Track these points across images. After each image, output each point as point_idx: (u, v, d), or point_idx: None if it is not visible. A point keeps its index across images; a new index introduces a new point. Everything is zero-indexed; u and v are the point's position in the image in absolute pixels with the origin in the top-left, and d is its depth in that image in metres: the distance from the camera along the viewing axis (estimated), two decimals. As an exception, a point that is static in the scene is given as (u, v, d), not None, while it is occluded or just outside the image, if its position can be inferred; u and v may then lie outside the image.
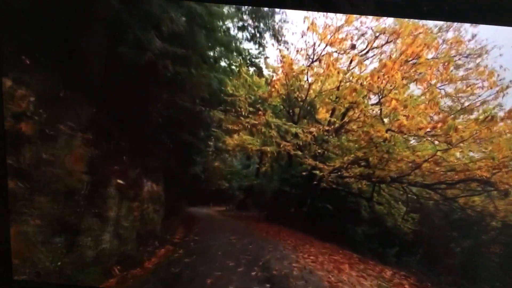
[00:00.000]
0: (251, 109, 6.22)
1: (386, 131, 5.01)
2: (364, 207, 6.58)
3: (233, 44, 5.43)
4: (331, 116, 6.13)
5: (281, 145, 6.42)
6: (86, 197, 2.70)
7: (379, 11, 2.27)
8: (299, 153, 6.40)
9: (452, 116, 4.50)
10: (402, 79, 4.57)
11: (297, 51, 5.70)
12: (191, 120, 5.48)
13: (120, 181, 3.23)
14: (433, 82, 4.66)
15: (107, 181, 3.05)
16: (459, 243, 5.29)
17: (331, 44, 5.27)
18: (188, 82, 4.44)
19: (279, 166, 7.17)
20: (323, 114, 6.38)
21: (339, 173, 6.20)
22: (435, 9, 1.90)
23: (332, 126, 6.05)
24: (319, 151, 6.28)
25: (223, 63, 5.78)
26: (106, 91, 3.13)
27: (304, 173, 6.72)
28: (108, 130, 3.34)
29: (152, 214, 4.50)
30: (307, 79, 6.02)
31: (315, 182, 6.47)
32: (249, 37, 5.55)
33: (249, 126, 6.46)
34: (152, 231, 4.40)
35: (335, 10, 3.07)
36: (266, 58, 6.00)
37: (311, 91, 6.15)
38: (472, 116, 4.57)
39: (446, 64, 4.23)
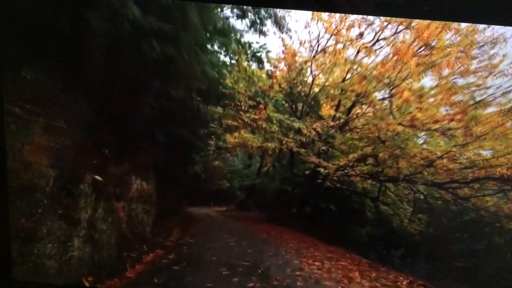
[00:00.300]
0: (251, 102, 5.79)
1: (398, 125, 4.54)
2: (369, 207, 6.19)
3: (232, 32, 5.00)
4: (336, 111, 5.68)
5: (283, 142, 5.99)
6: (51, 195, 2.25)
7: (379, 11, 2.26)
8: (302, 150, 5.97)
9: (473, 106, 4.01)
10: (417, 66, 4.10)
11: (300, 43, 5.26)
12: (186, 114, 5.05)
13: (97, 177, 2.78)
14: (447, 71, 4.19)
15: (80, 177, 2.59)
16: (470, 245, 4.86)
17: (337, 33, 4.82)
18: (180, 68, 3.98)
19: (280, 165, 6.82)
20: (327, 110, 5.93)
21: (345, 171, 5.75)
22: (435, 9, 1.86)
23: (338, 122, 5.60)
24: (323, 148, 5.85)
25: (222, 56, 5.39)
26: (82, 69, 2.71)
27: (307, 172, 6.31)
28: (86, 118, 2.88)
29: (141, 215, 4.07)
30: (311, 72, 5.59)
31: (318, 181, 6.04)
32: (248, 24, 5.10)
33: (249, 122, 6.03)
34: (140, 234, 3.96)
35: (335, 10, 2.99)
36: (268, 52, 5.59)
37: (315, 85, 5.72)
38: (494, 108, 4.08)
39: (467, 47, 3.75)
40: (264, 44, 5.39)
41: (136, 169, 3.98)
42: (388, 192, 6.01)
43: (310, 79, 5.66)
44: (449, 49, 3.98)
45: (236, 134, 6.10)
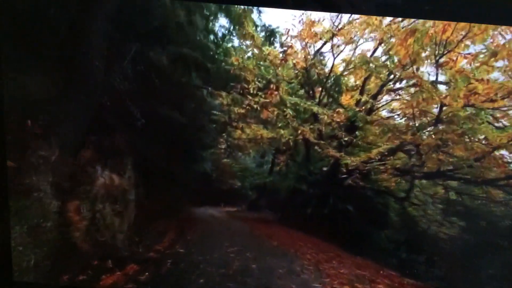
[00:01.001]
0: (260, 84, 4.74)
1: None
2: (396, 208, 5.06)
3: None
4: (361, 94, 4.55)
5: (299, 132, 4.92)
6: None
7: (381, 11, 2.19)
8: (321, 142, 4.89)
9: None
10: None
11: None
12: (178, 92, 4.04)
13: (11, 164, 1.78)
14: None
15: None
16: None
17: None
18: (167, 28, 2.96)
19: (294, 163, 5.79)
20: (351, 92, 4.80)
21: (372, 165, 4.61)
22: (437, 9, 1.82)
23: (364, 106, 4.48)
24: (346, 139, 4.73)
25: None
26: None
27: (324, 169, 5.23)
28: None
29: (110, 218, 3.05)
30: (332, 50, 4.47)
31: (338, 179, 4.94)
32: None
33: (258, 107, 4.98)
34: (107, 245, 2.94)
35: (336, 10, 2.86)
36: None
37: (340, 62, 4.60)
38: None
39: None
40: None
41: (104, 157, 2.97)
42: (416, 191, 4.88)
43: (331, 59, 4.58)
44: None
45: (247, 129, 5.31)
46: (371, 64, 4.16)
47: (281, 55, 4.58)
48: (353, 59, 4.38)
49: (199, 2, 3.57)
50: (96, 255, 2.64)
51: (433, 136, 3.81)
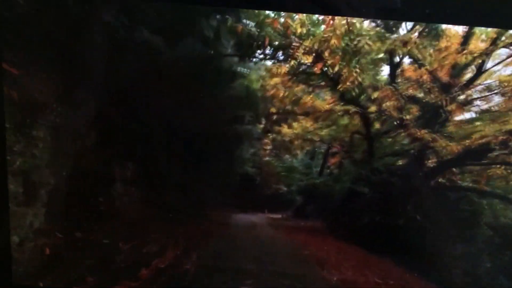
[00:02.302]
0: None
1: None
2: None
3: None
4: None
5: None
6: None
7: (381, 14, 2.15)
8: (406, 116, 3.44)
9: None
10: None
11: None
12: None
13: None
14: None
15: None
16: None
17: None
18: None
19: (350, 161, 4.59)
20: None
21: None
22: (437, 12, 1.76)
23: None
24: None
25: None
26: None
27: (400, 163, 3.76)
28: None
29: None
30: None
31: (422, 176, 3.44)
32: None
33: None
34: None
35: (336, 13, 2.61)
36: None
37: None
38: None
39: None
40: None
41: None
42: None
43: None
44: None
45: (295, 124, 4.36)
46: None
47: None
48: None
49: (200, 3, 3.27)
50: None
51: None
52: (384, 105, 3.41)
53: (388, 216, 3.78)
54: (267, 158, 4.95)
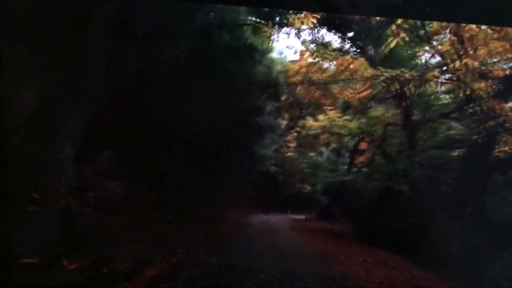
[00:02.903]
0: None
1: None
2: None
3: None
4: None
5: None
6: None
7: (381, 12, 2.16)
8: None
9: None
10: None
11: None
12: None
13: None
14: None
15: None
16: None
17: None
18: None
19: (384, 156, 4.06)
20: None
21: None
22: (437, 10, 1.68)
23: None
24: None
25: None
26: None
27: (456, 153, 3.35)
28: None
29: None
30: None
31: (483, 170, 2.75)
32: None
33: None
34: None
35: (337, 11, 2.16)
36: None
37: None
38: None
39: None
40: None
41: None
42: None
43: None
44: None
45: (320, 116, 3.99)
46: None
47: None
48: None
49: (200, 2, 3.39)
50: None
51: None
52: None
53: (435, 220, 3.10)
54: (290, 154, 4.57)
